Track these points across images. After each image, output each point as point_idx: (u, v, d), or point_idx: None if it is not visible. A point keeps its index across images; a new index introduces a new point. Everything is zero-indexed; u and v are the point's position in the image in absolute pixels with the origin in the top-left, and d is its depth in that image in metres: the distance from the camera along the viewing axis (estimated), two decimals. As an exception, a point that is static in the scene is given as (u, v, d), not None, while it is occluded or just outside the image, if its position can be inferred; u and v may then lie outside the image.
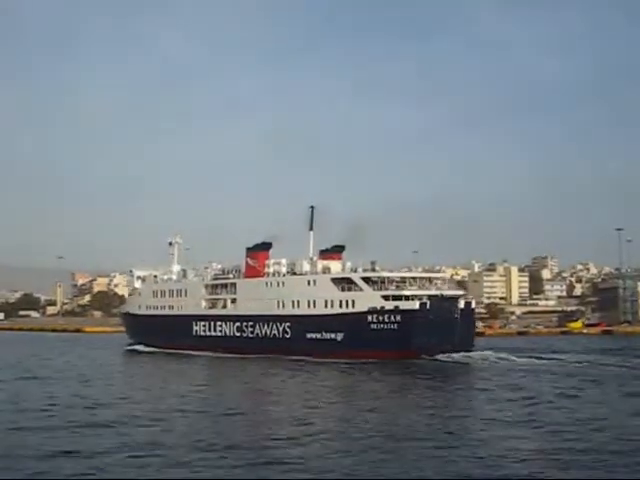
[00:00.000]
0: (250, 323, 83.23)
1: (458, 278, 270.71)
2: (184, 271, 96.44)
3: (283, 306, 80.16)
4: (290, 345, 76.78)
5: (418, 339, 69.11)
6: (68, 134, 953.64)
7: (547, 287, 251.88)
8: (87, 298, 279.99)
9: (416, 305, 70.26)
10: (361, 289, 73.96)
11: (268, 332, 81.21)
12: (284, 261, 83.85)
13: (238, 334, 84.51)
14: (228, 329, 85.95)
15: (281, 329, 79.87)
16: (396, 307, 70.84)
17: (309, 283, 78.88)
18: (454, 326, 70.75)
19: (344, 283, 75.74)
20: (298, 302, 78.66)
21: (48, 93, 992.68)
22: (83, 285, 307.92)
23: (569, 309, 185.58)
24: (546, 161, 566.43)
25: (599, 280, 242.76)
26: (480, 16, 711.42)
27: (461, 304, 73.36)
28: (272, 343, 79.46)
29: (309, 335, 76.52)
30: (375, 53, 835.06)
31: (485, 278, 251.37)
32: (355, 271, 78.67)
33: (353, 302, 73.73)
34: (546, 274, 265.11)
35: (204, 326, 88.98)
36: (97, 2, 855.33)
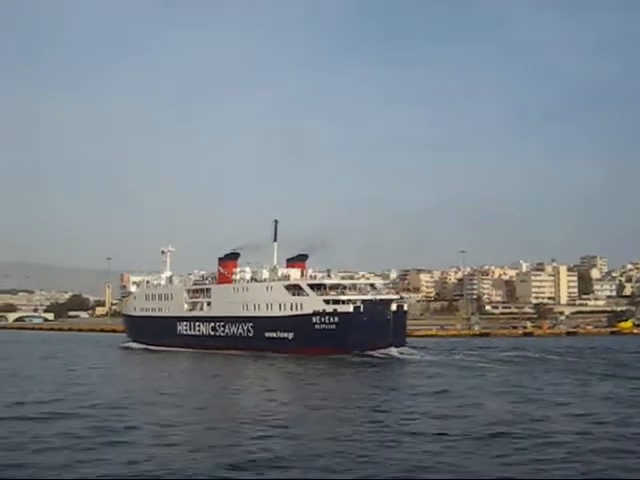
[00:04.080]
0: (222, 323, 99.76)
1: (506, 278, 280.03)
2: (171, 277, 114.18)
3: (247, 309, 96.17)
4: (253, 343, 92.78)
5: (352, 337, 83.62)
6: (105, 139, 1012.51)
7: (596, 287, 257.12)
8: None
9: (351, 308, 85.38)
10: (307, 294, 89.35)
11: (235, 331, 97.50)
12: (248, 269, 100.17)
13: (212, 333, 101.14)
14: (204, 329, 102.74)
15: (245, 329, 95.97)
16: (335, 310, 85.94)
17: (267, 289, 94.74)
18: (386, 326, 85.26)
19: (295, 289, 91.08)
20: (258, 305, 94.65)
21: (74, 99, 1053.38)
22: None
23: (619, 309, 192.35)
24: (594, 161, 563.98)
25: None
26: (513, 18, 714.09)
27: (393, 307, 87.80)
28: (239, 341, 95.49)
29: (267, 334, 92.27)
30: (407, 57, 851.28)
31: (533, 278, 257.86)
32: (315, 278, 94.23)
33: (301, 305, 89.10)
34: (595, 274, 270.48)
35: (186, 326, 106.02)
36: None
